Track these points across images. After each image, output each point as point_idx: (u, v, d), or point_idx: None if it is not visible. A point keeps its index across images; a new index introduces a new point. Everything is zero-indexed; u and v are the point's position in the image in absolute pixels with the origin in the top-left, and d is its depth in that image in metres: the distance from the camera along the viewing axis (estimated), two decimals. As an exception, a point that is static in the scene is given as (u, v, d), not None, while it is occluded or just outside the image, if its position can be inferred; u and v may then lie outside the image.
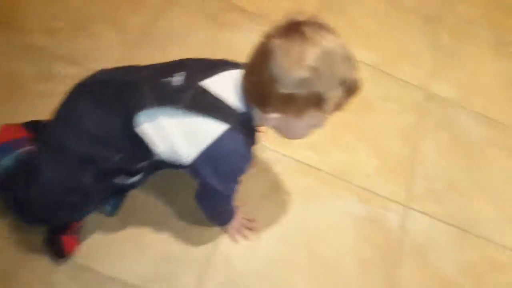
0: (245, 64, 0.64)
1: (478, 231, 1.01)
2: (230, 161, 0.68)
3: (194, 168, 0.66)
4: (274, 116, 0.63)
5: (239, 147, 0.66)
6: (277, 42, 0.58)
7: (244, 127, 0.65)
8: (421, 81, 1.25)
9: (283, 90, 0.58)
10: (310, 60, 0.56)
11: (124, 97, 0.65)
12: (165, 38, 1.09)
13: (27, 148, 0.75)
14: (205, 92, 0.64)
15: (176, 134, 0.64)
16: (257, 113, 0.65)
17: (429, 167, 1.10)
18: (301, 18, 0.60)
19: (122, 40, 1.05)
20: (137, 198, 0.83)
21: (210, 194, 0.73)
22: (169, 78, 0.65)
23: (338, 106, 0.62)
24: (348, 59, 0.60)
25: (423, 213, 1.01)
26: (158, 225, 0.83)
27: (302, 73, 0.57)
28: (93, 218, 0.78)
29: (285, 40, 0.58)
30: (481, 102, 1.26)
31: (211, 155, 0.65)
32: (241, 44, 1.08)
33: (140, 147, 0.66)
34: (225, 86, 0.65)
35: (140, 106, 0.63)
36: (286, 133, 0.69)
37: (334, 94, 0.59)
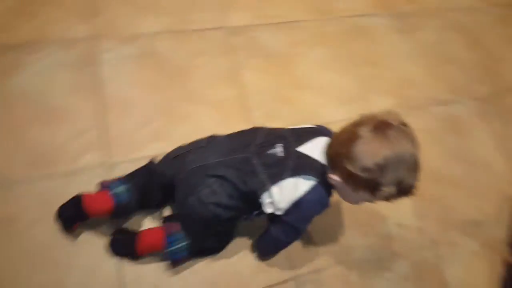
0: (336, 135, 0.81)
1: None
2: (312, 209, 0.85)
3: (284, 213, 0.85)
4: (336, 178, 0.78)
5: (322, 197, 0.83)
6: (366, 133, 0.72)
7: (323, 178, 0.81)
8: (217, 22, 1.35)
9: (350, 167, 0.73)
10: (380, 158, 0.71)
11: (247, 180, 0.83)
12: None
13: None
14: (301, 157, 0.82)
15: (277, 192, 0.82)
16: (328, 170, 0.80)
17: (258, 94, 1.24)
18: (392, 121, 0.73)
19: None
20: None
21: (288, 231, 0.89)
22: (273, 150, 0.83)
23: (387, 198, 0.76)
24: (414, 168, 0.73)
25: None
26: None
27: (369, 163, 0.71)
28: None
29: (372, 134, 0.72)
30: (275, 12, 1.43)
31: (300, 204, 0.82)
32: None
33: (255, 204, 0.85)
34: (315, 150, 0.82)
35: (263, 189, 0.82)
36: (341, 194, 0.85)
37: (387, 189, 0.73)
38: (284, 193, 0.82)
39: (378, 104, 1.32)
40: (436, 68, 1.49)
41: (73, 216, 0.86)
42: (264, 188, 0.82)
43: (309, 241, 1.04)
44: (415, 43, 1.52)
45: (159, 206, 0.98)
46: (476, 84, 1.49)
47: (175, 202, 0.93)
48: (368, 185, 0.75)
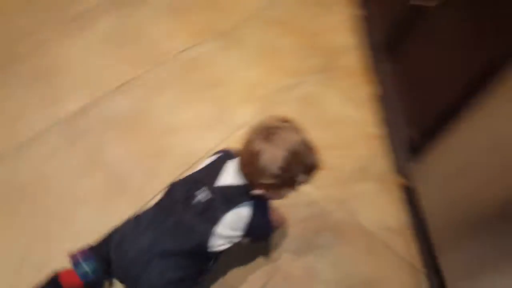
0: (240, 159, 0.86)
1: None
2: (265, 224, 0.94)
3: (249, 236, 0.90)
4: (259, 192, 0.86)
5: (265, 211, 0.92)
6: (260, 146, 0.80)
7: (254, 197, 0.87)
8: (49, 118, 1.29)
9: (264, 180, 0.82)
10: (280, 161, 0.80)
11: (188, 238, 0.85)
12: None
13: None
14: (224, 189, 0.86)
15: (223, 229, 0.85)
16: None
17: (126, 163, 1.25)
18: (274, 123, 0.83)
19: None
20: None
21: (265, 237, 1.05)
22: (197, 199, 0.86)
23: (304, 183, 0.87)
24: (309, 151, 0.84)
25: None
26: None
27: (276, 170, 0.80)
28: None
29: (265, 144, 0.80)
30: (105, 80, 1.43)
31: (252, 228, 0.88)
32: None
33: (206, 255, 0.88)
34: (232, 176, 0.87)
35: (207, 236, 0.84)
36: (270, 198, 0.92)
37: (300, 178, 0.85)
38: (234, 225, 0.87)
39: (242, 114, 1.41)
40: (271, 61, 1.64)
41: None
42: (207, 234, 0.85)
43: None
44: (244, 51, 1.66)
45: None
46: (309, 60, 1.68)
47: None
48: (285, 184, 0.86)
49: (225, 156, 0.94)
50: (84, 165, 1.21)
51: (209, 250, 0.86)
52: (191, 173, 0.94)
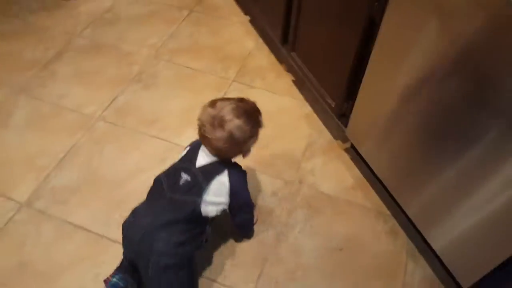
0: (203, 143, 1.03)
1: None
2: (242, 183, 1.09)
3: (234, 202, 1.07)
4: (228, 161, 1.07)
5: (239, 172, 1.09)
6: (212, 133, 0.97)
7: (228, 164, 1.05)
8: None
9: (227, 155, 1.05)
10: (227, 141, 0.98)
11: (182, 209, 0.99)
12: None
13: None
14: (203, 168, 1.03)
15: (212, 196, 1.01)
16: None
17: None
18: (217, 111, 0.98)
19: None
20: None
21: (244, 209, 1.15)
22: (182, 180, 1.02)
23: (255, 142, 1.07)
24: (248, 125, 0.99)
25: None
26: None
27: (229, 146, 1.00)
28: None
29: (215, 131, 0.97)
30: None
31: (233, 189, 1.04)
32: None
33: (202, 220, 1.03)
34: (206, 156, 1.04)
35: (199, 202, 0.99)
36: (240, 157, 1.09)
37: (250, 141, 1.04)
38: (219, 192, 1.03)
39: (188, 137, 1.48)
40: (192, 84, 1.73)
41: None
42: (199, 203, 1.00)
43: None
44: (163, 84, 1.74)
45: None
46: (227, 71, 1.80)
47: (143, 279, 1.03)
48: (241, 149, 1.05)
49: (194, 145, 1.10)
50: (57, 237, 1.22)
51: (203, 215, 1.01)
52: (170, 165, 1.09)
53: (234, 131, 0.97)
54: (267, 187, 1.38)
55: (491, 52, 0.79)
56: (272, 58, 1.85)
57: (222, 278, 1.16)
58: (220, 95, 1.67)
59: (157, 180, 1.06)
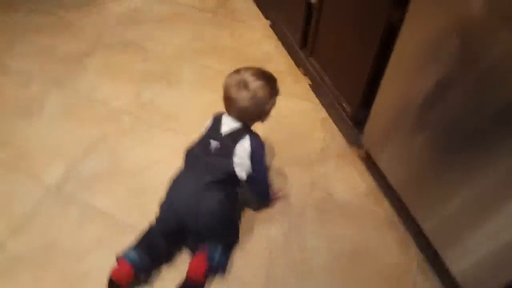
0: (227, 110, 1.19)
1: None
2: (260, 147, 1.20)
3: (255, 166, 1.19)
4: (251, 124, 1.21)
5: (257, 138, 1.19)
6: (236, 95, 1.13)
7: (249, 131, 1.19)
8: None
9: (249, 118, 1.19)
10: (252, 102, 1.13)
11: (219, 170, 1.14)
12: None
13: None
14: (229, 134, 1.16)
15: (238, 158, 1.15)
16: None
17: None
18: (241, 75, 1.14)
19: None
20: None
21: (264, 179, 1.28)
22: (211, 146, 1.16)
23: (273, 106, 1.21)
24: (268, 89, 1.15)
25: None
26: None
27: (251, 108, 1.15)
28: None
29: (240, 93, 1.13)
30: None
31: (253, 152, 1.16)
32: None
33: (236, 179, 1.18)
34: (229, 123, 1.18)
35: (231, 164, 1.14)
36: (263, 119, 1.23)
37: (269, 106, 1.19)
38: (242, 154, 1.16)
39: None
40: (214, 83, 1.80)
41: None
42: (231, 164, 1.14)
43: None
44: (186, 82, 1.82)
45: (170, 254, 1.22)
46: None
47: (191, 232, 1.20)
48: (263, 113, 1.20)
49: (217, 117, 1.23)
50: (82, 220, 1.30)
51: (236, 174, 1.16)
52: (199, 136, 1.23)
53: (257, 90, 1.13)
54: (281, 187, 1.43)
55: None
56: (290, 61, 1.91)
57: (231, 272, 1.21)
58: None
59: (189, 151, 1.21)
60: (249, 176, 1.20)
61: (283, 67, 1.89)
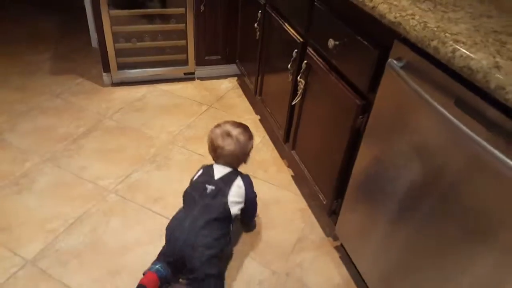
0: (218, 159, 1.46)
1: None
2: (251, 184, 1.46)
3: (248, 200, 1.44)
4: (238, 167, 1.49)
5: (247, 177, 1.46)
6: (226, 145, 1.43)
7: (239, 172, 1.46)
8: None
9: (236, 162, 1.49)
10: (239, 151, 1.45)
11: (215, 210, 1.32)
12: None
13: None
14: (222, 178, 1.39)
15: (233, 197, 1.37)
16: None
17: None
18: (227, 128, 1.46)
19: None
20: None
21: (254, 204, 1.53)
22: (207, 191, 1.35)
23: (250, 152, 1.53)
24: (249, 141, 1.50)
25: None
26: None
27: (239, 155, 1.47)
28: None
29: (230, 144, 1.43)
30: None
31: (246, 190, 1.43)
32: None
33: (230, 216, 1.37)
34: (221, 170, 1.43)
35: (226, 204, 1.34)
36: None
37: (249, 153, 1.52)
38: (238, 192, 1.39)
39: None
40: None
41: None
42: (226, 204, 1.34)
43: None
44: (174, 166, 1.92)
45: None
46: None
47: (188, 269, 1.26)
48: (245, 157, 1.51)
49: (206, 168, 1.47)
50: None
51: (231, 213, 1.34)
52: (193, 181, 1.45)
53: (238, 136, 1.44)
54: (255, 276, 1.44)
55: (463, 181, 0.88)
56: (276, 153, 2.04)
57: None
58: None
59: (188, 193, 1.40)
60: (243, 209, 1.42)
61: (269, 157, 2.01)
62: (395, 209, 1.14)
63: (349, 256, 1.44)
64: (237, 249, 1.53)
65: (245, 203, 1.42)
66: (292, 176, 1.90)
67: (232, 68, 2.61)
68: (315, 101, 1.55)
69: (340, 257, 1.53)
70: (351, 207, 1.38)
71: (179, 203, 1.68)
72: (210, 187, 1.35)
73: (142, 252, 1.46)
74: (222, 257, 1.37)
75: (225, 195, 1.34)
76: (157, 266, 1.26)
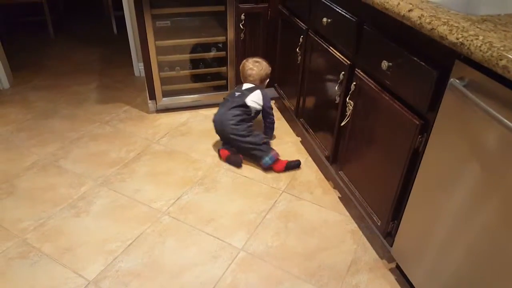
0: (245, 78, 2.24)
1: None
2: (267, 94, 2.21)
3: (264, 105, 2.19)
4: (260, 84, 2.26)
5: (264, 90, 2.23)
6: (252, 69, 2.23)
7: (259, 87, 2.21)
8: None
9: (259, 81, 2.24)
10: (262, 73, 2.25)
11: (240, 105, 2.11)
12: None
13: None
14: (247, 89, 2.17)
15: (251, 99, 2.12)
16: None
17: None
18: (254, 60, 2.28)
19: None
20: None
21: (270, 110, 2.24)
22: (235, 95, 2.14)
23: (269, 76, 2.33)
24: (269, 67, 2.30)
25: None
26: None
27: (262, 76, 2.26)
28: None
29: (254, 68, 2.23)
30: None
31: (263, 96, 2.17)
32: None
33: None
34: (247, 85, 2.20)
35: (244, 101, 2.11)
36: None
37: (268, 76, 2.30)
38: (255, 98, 2.12)
39: (238, 239, 1.62)
40: (247, 191, 1.93)
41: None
42: (245, 98, 2.10)
43: None
44: (221, 189, 1.96)
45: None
46: (278, 183, 2.00)
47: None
48: (266, 78, 2.29)
49: (239, 86, 2.23)
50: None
51: (248, 105, 2.09)
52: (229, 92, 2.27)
53: (262, 62, 2.23)
54: (311, 296, 1.43)
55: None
56: (320, 174, 2.05)
57: None
58: (270, 203, 1.85)
59: (224, 98, 2.17)
60: (261, 112, 2.18)
61: (313, 179, 2.02)
62: (453, 229, 1.13)
63: (405, 278, 1.42)
64: (289, 272, 1.53)
65: (262, 108, 2.15)
66: (339, 197, 1.90)
67: (270, 92, 2.68)
68: (365, 122, 1.56)
69: (396, 279, 1.51)
70: (410, 228, 1.36)
71: (229, 224, 1.73)
72: (237, 93, 2.12)
73: (199, 272, 1.48)
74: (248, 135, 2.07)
75: (246, 96, 2.09)
76: (224, 146, 2.15)
